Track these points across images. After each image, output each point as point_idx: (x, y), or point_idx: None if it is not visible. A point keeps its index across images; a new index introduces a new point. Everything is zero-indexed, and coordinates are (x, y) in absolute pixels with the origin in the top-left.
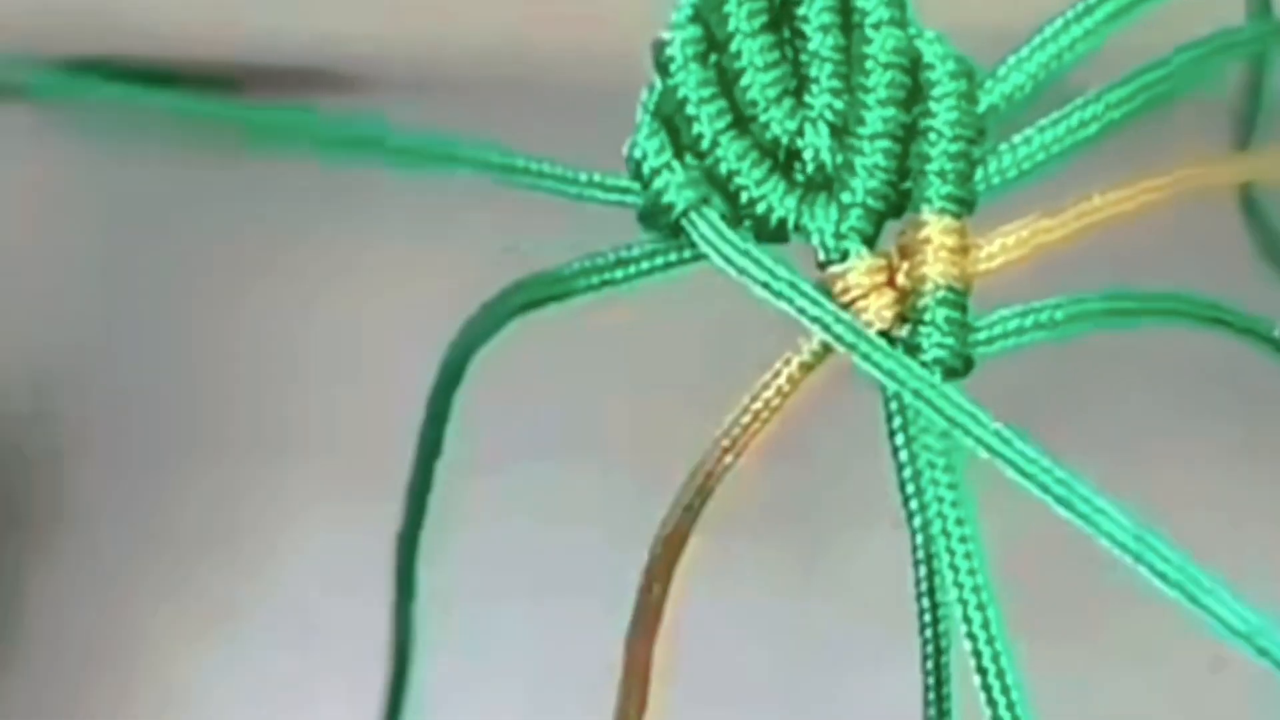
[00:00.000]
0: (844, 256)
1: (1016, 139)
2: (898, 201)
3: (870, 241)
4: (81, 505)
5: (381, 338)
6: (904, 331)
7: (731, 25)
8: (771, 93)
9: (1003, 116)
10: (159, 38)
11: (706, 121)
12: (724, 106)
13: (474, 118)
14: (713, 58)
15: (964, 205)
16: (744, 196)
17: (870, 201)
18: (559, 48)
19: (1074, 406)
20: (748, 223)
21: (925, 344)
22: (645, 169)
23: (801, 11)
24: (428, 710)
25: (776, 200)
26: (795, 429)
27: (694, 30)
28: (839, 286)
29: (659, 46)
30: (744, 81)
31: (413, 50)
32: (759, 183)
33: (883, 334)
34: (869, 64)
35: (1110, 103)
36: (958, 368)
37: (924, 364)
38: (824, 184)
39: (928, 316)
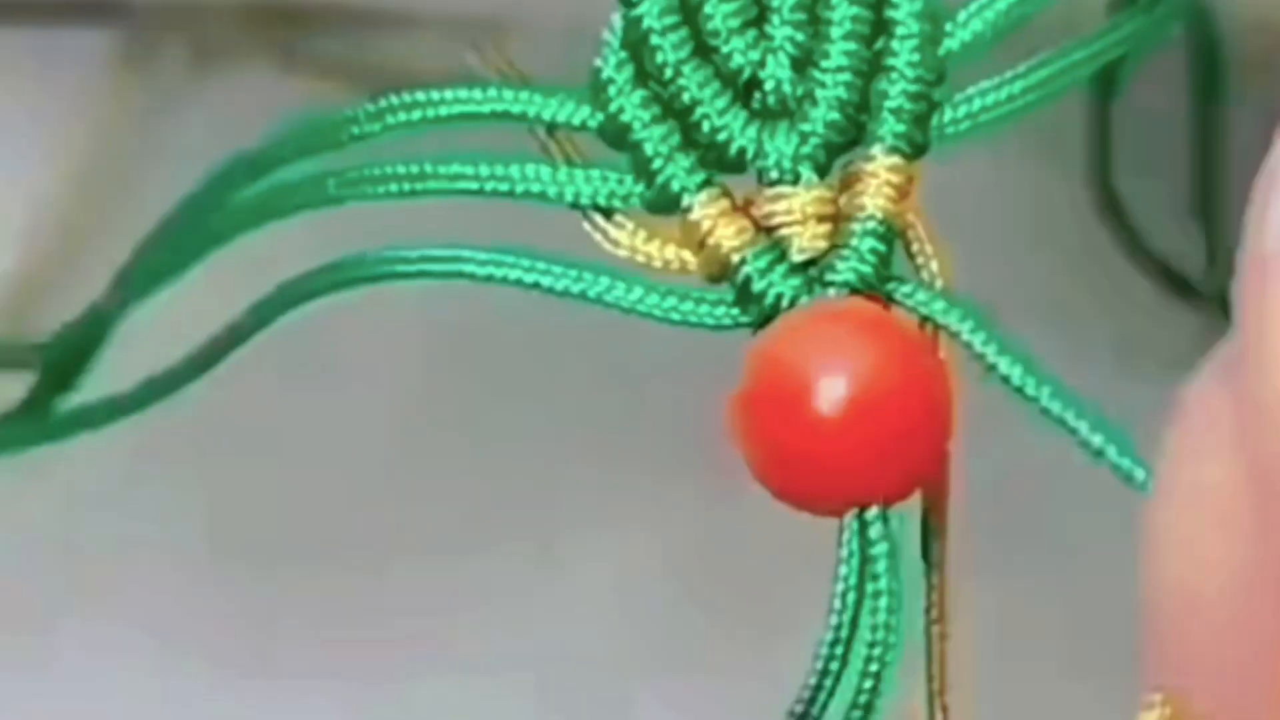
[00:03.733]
0: (795, 180)
1: (972, 90)
2: (854, 136)
3: (822, 172)
4: None
5: None
6: (828, 258)
7: None
8: (734, 22)
9: (960, 62)
10: None
11: (669, 50)
12: (686, 35)
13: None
14: None
15: (916, 147)
16: (705, 125)
17: (829, 133)
18: None
19: None
20: (700, 151)
21: (840, 265)
22: (610, 91)
23: None
24: None
25: (738, 130)
26: None
27: None
28: (783, 206)
29: None
30: (706, 10)
31: None
32: (720, 112)
33: (809, 262)
34: None
35: (1066, 66)
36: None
37: (830, 284)
38: (783, 113)
39: (854, 242)
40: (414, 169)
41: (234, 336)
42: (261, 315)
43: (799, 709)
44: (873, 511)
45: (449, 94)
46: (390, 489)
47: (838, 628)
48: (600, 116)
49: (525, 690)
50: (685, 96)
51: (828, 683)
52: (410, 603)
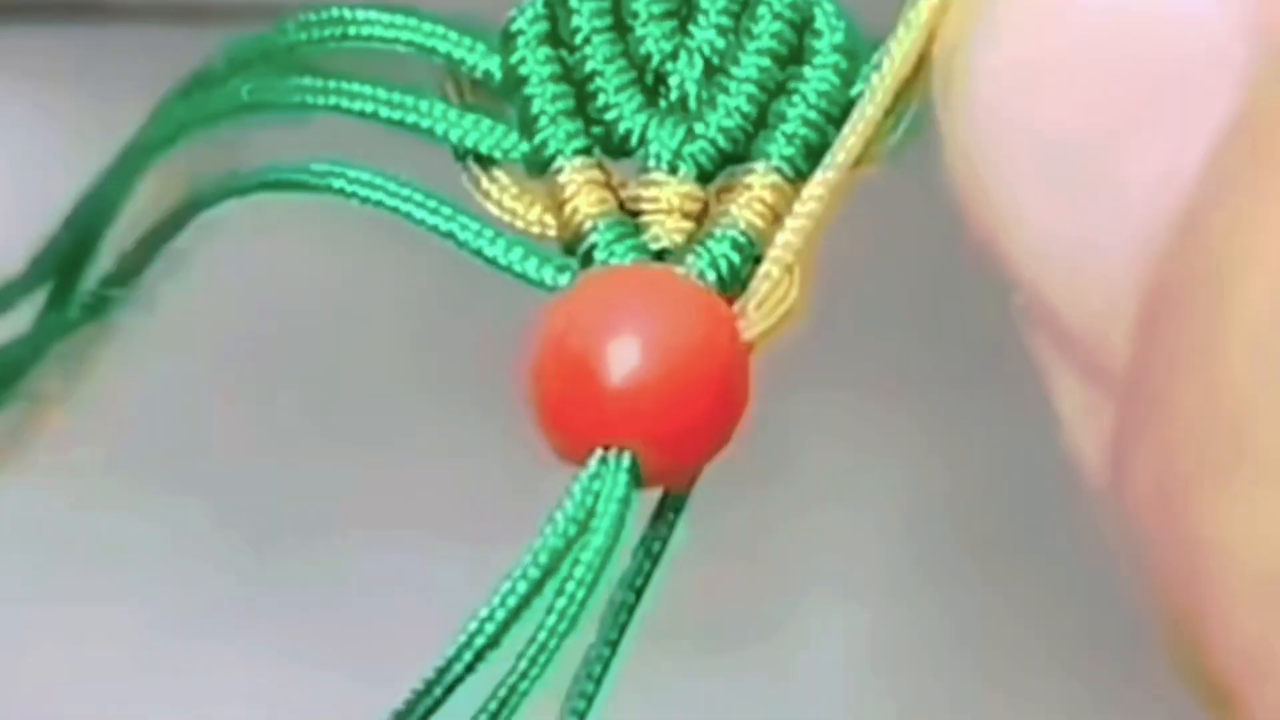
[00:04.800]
0: (672, 172)
1: None
2: (744, 150)
3: (704, 177)
4: None
5: None
6: (678, 254)
7: None
8: (655, 9)
9: None
10: None
11: (585, 17)
12: (606, 8)
13: None
14: None
15: (799, 173)
16: (600, 99)
17: (720, 140)
18: None
19: None
20: (588, 124)
21: (689, 260)
22: (519, 42)
23: None
24: None
25: (629, 111)
26: None
27: None
28: (651, 193)
29: None
30: None
31: None
32: (617, 90)
33: (662, 252)
34: (761, 10)
35: None
36: None
37: None
38: (681, 109)
39: (709, 243)
40: (318, 83)
41: (159, 237)
42: (180, 217)
43: (473, 624)
44: (624, 461)
45: (372, 15)
46: (385, 472)
47: (536, 553)
48: (504, 67)
49: None
50: (587, 66)
51: (500, 614)
52: (407, 583)
